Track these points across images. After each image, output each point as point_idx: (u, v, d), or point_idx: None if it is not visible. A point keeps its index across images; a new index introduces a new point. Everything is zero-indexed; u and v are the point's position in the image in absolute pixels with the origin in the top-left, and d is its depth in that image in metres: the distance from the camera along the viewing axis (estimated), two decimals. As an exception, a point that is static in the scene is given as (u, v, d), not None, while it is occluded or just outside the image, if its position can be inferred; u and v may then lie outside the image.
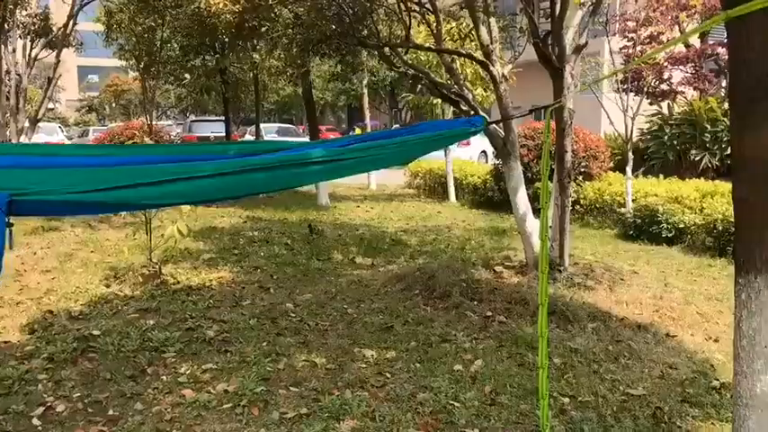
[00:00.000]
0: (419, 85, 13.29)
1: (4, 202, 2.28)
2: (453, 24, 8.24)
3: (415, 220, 11.28)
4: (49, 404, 3.92)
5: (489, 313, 5.60)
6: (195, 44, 13.92)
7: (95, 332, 5.17)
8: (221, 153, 2.76)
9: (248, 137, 26.83)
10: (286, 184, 2.95)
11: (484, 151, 20.26)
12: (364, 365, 4.58)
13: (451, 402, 3.97)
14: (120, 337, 5.04)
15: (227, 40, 13.40)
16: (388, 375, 4.41)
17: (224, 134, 18.80)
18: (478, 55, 6.85)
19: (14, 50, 10.15)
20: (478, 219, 11.44)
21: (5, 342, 4.98)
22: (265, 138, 24.56)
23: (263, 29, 10.85)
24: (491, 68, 6.63)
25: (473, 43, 8.99)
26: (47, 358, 4.61)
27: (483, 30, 6.62)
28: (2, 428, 3.64)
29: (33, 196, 2.36)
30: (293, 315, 5.72)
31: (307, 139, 27.47)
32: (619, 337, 5.08)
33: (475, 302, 5.87)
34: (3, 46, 9.66)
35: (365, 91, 16.64)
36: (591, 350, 4.83)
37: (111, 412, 3.84)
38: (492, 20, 6.86)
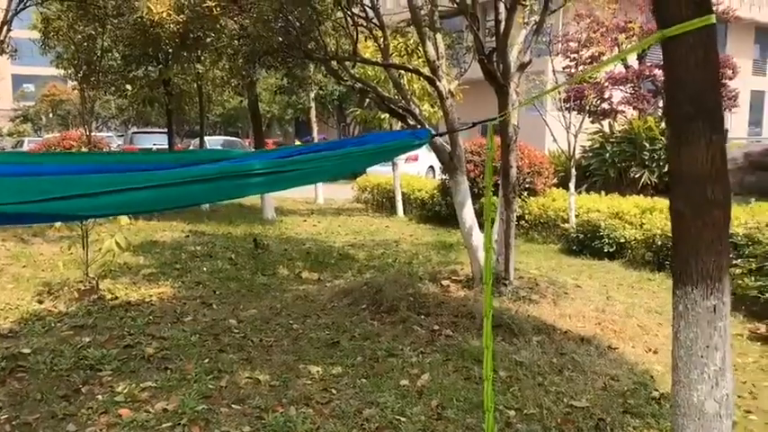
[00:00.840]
0: (367, 100, 13.38)
1: None
2: (401, 40, 8.29)
3: (362, 235, 11.25)
4: (-28, 428, 3.70)
5: (436, 327, 5.60)
6: (138, 54, 13.58)
7: (25, 350, 4.93)
8: (160, 163, 2.68)
9: (191, 149, 26.33)
10: (227, 195, 2.88)
11: (431, 166, 20.43)
12: (309, 382, 4.50)
13: (398, 417, 3.93)
14: (52, 355, 4.81)
15: (170, 50, 13.15)
16: (334, 391, 4.34)
17: (167, 146, 18.40)
18: (425, 71, 6.90)
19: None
20: (426, 233, 11.50)
21: (-74, 362, 4.69)
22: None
23: (208, 39, 10.70)
24: (437, 84, 6.70)
25: (420, 59, 9.09)
26: (-28, 379, 4.36)
27: (429, 45, 6.68)
28: None
29: None
30: (236, 331, 5.59)
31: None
32: (563, 350, 5.15)
33: (422, 316, 5.86)
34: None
35: (312, 105, 16.59)
36: (536, 363, 4.88)
37: (40, 435, 3.65)
38: (438, 36, 6.93)
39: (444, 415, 4.00)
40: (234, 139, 31.09)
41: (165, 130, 19.73)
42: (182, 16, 9.82)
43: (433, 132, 2.86)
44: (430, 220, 12.83)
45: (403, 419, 3.90)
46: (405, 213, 14.06)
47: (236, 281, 7.45)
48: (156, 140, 23.69)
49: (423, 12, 6.78)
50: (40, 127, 41.78)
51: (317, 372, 4.66)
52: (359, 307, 6.26)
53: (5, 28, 9.77)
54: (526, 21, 7.30)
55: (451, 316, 5.85)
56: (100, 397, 4.16)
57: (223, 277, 7.60)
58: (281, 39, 8.07)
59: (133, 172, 2.53)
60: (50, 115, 40.60)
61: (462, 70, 7.50)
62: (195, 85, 14.21)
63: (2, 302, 6.13)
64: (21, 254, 8.41)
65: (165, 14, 9.90)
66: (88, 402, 4.08)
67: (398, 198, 14.18)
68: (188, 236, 10.49)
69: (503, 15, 6.51)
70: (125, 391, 4.24)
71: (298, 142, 33.09)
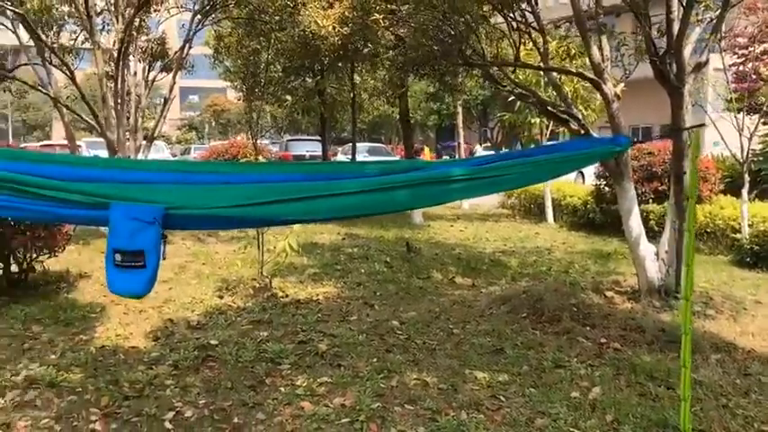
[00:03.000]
0: (517, 104, 13.20)
1: (161, 214, 2.43)
2: (563, 43, 8.11)
3: (512, 241, 11.11)
4: (177, 409, 4.11)
5: (603, 340, 5.42)
6: (297, 66, 14.40)
7: (213, 342, 5.38)
8: (362, 172, 2.84)
9: (340, 156, 27.35)
10: (426, 201, 2.99)
11: (581, 172, 19.75)
12: (477, 387, 4.53)
13: (572, 430, 3.86)
14: (236, 347, 5.22)
15: (326, 61, 13.79)
16: (503, 399, 4.34)
17: (319, 153, 19.28)
18: (589, 73, 6.71)
19: (135, 73, 10.85)
20: (579, 241, 11.14)
21: (133, 347, 5.27)
22: (357, 155, 25.01)
23: (365, 50, 11.09)
24: (603, 87, 6.49)
25: (574, 62, 8.85)
26: (172, 365, 4.84)
27: (594, 48, 6.49)
28: (137, 430, 3.84)
29: (186, 210, 2.51)
30: (400, 333, 5.74)
31: (396, 158, 27.79)
32: (747, 370, 4.79)
33: (587, 328, 5.70)
34: (125, 69, 10.31)
35: (459, 110, 16.64)
36: (717, 383, 4.58)
37: (235, 420, 3.98)
38: (603, 38, 6.72)
39: (621, 430, 3.87)
40: (378, 145, 31.91)
41: (317, 137, 20.65)
42: (345, 29, 10.26)
43: (633, 140, 2.78)
44: (582, 228, 12.41)
45: (577, 432, 3.82)
46: (555, 220, 13.70)
47: (393, 283, 7.65)
48: (308, 147, 24.89)
49: (585, 10, 6.61)
50: (203, 135, 45.46)
51: (484, 378, 4.68)
52: (519, 315, 6.20)
53: (187, 46, 10.75)
54: (699, 18, 6.88)
55: (619, 329, 5.63)
56: (282, 389, 4.45)
57: (381, 279, 7.84)
58: (436, 47, 8.20)
59: (338, 180, 2.70)
60: (213, 124, 43.99)
61: (628, 72, 7.20)
62: (349, 95, 14.77)
63: (189, 296, 6.74)
64: (199, 252, 9.20)
65: (330, 27, 10.40)
66: (272, 393, 4.38)
67: (548, 204, 13.84)
68: (344, 238, 10.93)
69: (675, 14, 6.18)
70: (304, 385, 4.51)
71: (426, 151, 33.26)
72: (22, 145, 29.33)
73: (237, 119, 38.47)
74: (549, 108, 6.99)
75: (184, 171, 2.86)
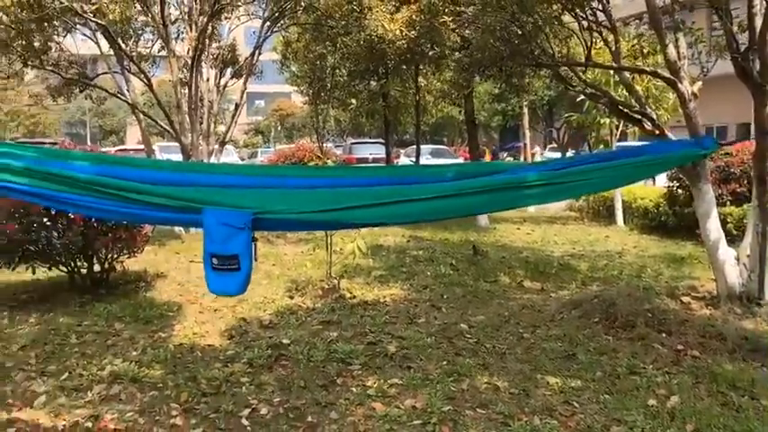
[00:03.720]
0: (586, 104, 12.93)
1: (250, 219, 2.52)
2: (635, 41, 7.90)
3: (581, 245, 10.88)
4: (253, 406, 4.22)
5: (680, 347, 5.24)
6: (362, 69, 14.53)
7: (285, 341, 5.50)
8: (439, 176, 2.86)
9: (403, 158, 27.42)
10: (501, 206, 2.98)
11: (651, 173, 19.14)
12: (549, 393, 4.47)
13: (650, 439, 3.75)
14: (308, 347, 5.32)
15: (391, 64, 13.86)
16: (576, 405, 4.26)
17: (382, 155, 19.40)
18: (664, 72, 6.50)
19: (208, 80, 11.20)
20: (651, 245, 10.80)
21: (209, 345, 5.45)
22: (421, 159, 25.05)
23: (430, 53, 11.09)
24: (679, 86, 6.28)
25: (647, 60, 8.57)
26: (246, 363, 4.98)
27: (670, 46, 6.29)
28: (216, 426, 3.97)
29: (273, 215, 2.59)
30: (469, 336, 5.72)
31: (460, 160, 27.63)
32: (839, 382, 4.54)
33: (663, 334, 5.52)
34: (198, 75, 10.66)
35: (525, 111, 16.43)
36: (806, 394, 4.36)
37: (309, 419, 4.06)
38: (680, 35, 6.50)
39: (703, 441, 3.74)
40: (441, 147, 31.84)
41: (379, 140, 20.73)
42: (413, 32, 10.30)
43: (719, 142, 2.69)
44: (654, 231, 12.02)
45: (657, 442, 3.72)
46: (625, 223, 13.33)
47: (460, 286, 7.62)
48: (371, 150, 25.07)
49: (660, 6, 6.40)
50: (268, 138, 46.45)
51: (556, 383, 4.61)
52: (590, 320, 6.07)
53: (257, 52, 11.02)
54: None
55: (697, 336, 5.43)
56: (354, 389, 4.51)
57: (447, 282, 7.82)
58: (503, 48, 8.12)
59: (417, 184, 2.73)
60: (278, 128, 44.89)
61: (706, 70, 6.93)
62: (413, 97, 14.80)
63: (260, 296, 6.90)
64: (269, 253, 9.40)
65: (397, 31, 10.47)
66: (344, 393, 4.44)
67: (618, 206, 13.47)
68: (408, 241, 10.96)
69: (757, 8, 5.92)
70: (375, 386, 4.55)
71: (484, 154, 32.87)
72: (99, 150, 30.73)
73: (302, 122, 39.12)
74: (621, 108, 6.81)
75: (271, 176, 2.95)
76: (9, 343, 5.39)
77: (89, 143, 46.45)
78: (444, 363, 5.02)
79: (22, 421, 3.91)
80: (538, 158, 40.13)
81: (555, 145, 32.42)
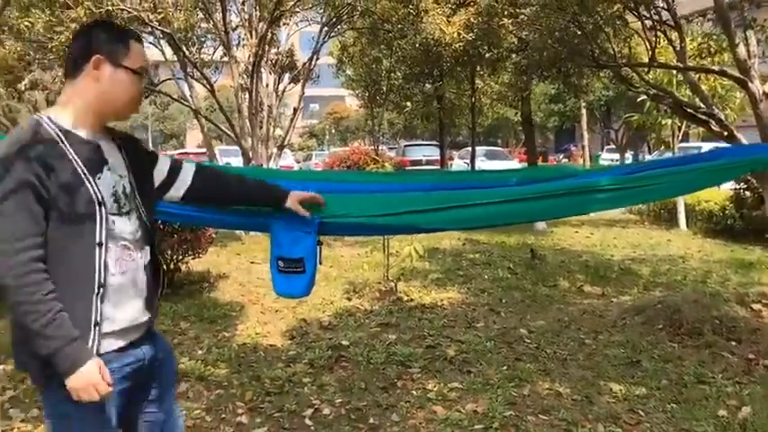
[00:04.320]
0: (647, 104, 12.61)
1: (316, 223, 2.57)
2: (700, 39, 7.67)
3: (642, 249, 10.62)
4: (316, 406, 4.29)
5: (752, 356, 5.07)
6: (417, 72, 14.57)
7: (344, 342, 5.57)
8: (503, 180, 2.85)
9: (457, 160, 27.28)
10: (569, 211, 2.95)
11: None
12: (613, 400, 4.39)
13: (721, 450, 3.64)
14: (367, 348, 5.37)
15: (446, 67, 13.84)
16: (642, 413, 4.17)
17: (436, 157, 19.38)
18: (734, 72, 6.29)
19: (267, 85, 11.44)
20: (716, 249, 10.45)
21: (271, 345, 5.57)
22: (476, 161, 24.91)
23: (487, 55, 11.03)
24: (749, 86, 6.06)
25: (713, 59, 8.30)
26: (308, 363, 5.06)
27: (740, 44, 6.08)
28: (280, 425, 4.05)
29: (338, 219, 2.64)
30: (528, 341, 5.66)
31: (515, 162, 27.30)
32: None
33: (732, 342, 5.35)
34: (258, 81, 10.90)
35: (583, 112, 16.14)
36: None
37: (371, 421, 4.10)
38: (750, 33, 6.28)
39: (777, 455, 3.61)
40: (496, 149, 31.58)
41: (432, 142, 20.73)
42: (470, 35, 10.28)
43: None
44: (719, 235, 11.64)
45: (728, 454, 3.61)
46: (687, 226, 12.94)
47: (518, 290, 7.55)
48: (425, 152, 25.06)
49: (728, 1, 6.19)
50: (323, 142, 47.01)
51: (620, 390, 4.52)
52: (654, 326, 5.92)
53: (315, 57, 11.19)
54: None
55: (770, 345, 5.24)
56: (414, 392, 4.53)
57: (505, 286, 7.76)
58: (562, 48, 8.01)
59: (480, 189, 2.73)
60: (332, 131, 45.36)
61: (778, 69, 6.68)
62: (469, 99, 14.74)
63: (320, 298, 7.00)
64: (327, 255, 9.43)
65: (454, 34, 10.46)
66: (405, 396, 4.47)
67: (681, 209, 13.09)
68: (464, 243, 10.92)
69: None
70: (435, 389, 4.56)
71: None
72: (161, 153, 31.72)
73: (356, 125, 39.44)
74: (686, 109, 6.62)
75: (332, 181, 3.00)
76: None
77: (151, 146, 47.99)
78: (504, 368, 4.99)
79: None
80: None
81: (613, 146, 31.70)
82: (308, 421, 4.08)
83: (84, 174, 1.89)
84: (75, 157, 1.88)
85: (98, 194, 1.90)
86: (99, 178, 1.93)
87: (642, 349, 5.37)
